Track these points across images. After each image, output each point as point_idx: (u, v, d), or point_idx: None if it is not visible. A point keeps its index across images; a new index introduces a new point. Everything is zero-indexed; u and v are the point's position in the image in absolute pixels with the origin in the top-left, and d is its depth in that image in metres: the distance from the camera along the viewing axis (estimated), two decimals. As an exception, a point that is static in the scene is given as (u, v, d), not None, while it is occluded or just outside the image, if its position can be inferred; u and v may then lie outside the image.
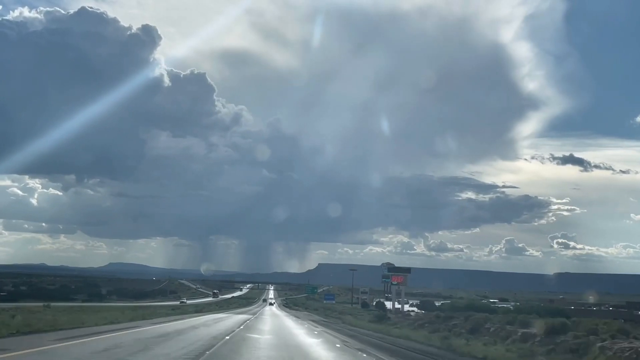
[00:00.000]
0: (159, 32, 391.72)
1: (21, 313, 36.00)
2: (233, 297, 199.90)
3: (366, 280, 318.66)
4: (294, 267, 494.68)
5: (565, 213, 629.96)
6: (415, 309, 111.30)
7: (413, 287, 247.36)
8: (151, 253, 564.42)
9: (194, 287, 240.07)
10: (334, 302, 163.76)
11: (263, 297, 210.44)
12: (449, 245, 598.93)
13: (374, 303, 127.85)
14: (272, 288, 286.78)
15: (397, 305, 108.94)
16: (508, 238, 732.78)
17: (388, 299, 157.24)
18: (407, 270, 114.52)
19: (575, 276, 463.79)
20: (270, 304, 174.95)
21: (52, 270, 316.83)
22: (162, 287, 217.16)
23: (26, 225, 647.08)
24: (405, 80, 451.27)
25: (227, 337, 30.33)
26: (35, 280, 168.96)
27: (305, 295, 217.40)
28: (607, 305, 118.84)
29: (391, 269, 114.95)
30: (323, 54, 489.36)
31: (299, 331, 42.94)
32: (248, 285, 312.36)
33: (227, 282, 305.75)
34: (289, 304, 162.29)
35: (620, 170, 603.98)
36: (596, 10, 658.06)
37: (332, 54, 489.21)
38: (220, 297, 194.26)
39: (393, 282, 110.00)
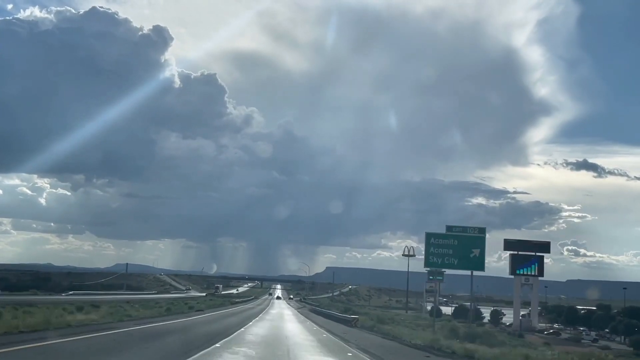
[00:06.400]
0: (171, 33, 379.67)
1: None
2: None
3: (378, 284, 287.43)
4: (302, 270, 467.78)
5: (576, 220, 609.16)
6: (550, 325, 76.27)
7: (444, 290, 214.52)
8: (159, 254, 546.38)
9: (171, 283, 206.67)
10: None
11: (269, 292, 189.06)
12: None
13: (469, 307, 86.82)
14: (279, 287, 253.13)
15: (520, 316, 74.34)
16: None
17: (429, 302, 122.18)
18: (546, 247, 76.49)
19: (585, 283, 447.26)
20: (278, 297, 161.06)
21: (58, 269, 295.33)
22: (114, 278, 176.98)
23: (34, 225, 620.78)
24: (416, 84, 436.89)
25: None
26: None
27: (330, 296, 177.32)
28: None
29: (512, 244, 75.38)
30: (334, 56, 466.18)
31: None
32: (247, 284, 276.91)
33: (225, 279, 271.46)
34: (318, 309, 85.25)
35: (635, 177, 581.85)
36: (609, 15, 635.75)
37: (344, 56, 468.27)
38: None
39: (520, 271, 72.67)
